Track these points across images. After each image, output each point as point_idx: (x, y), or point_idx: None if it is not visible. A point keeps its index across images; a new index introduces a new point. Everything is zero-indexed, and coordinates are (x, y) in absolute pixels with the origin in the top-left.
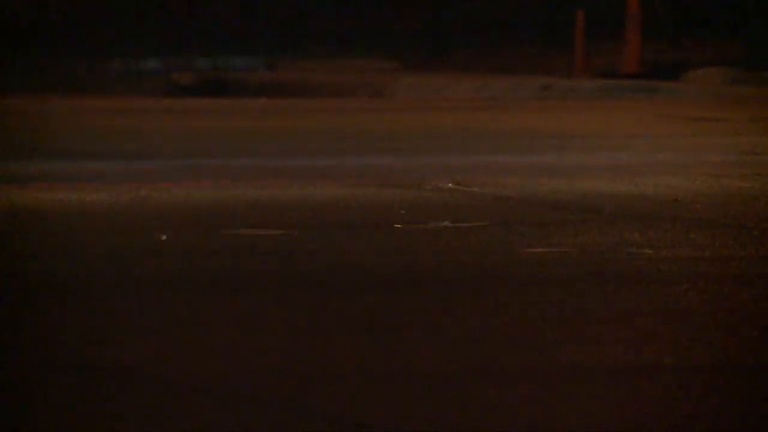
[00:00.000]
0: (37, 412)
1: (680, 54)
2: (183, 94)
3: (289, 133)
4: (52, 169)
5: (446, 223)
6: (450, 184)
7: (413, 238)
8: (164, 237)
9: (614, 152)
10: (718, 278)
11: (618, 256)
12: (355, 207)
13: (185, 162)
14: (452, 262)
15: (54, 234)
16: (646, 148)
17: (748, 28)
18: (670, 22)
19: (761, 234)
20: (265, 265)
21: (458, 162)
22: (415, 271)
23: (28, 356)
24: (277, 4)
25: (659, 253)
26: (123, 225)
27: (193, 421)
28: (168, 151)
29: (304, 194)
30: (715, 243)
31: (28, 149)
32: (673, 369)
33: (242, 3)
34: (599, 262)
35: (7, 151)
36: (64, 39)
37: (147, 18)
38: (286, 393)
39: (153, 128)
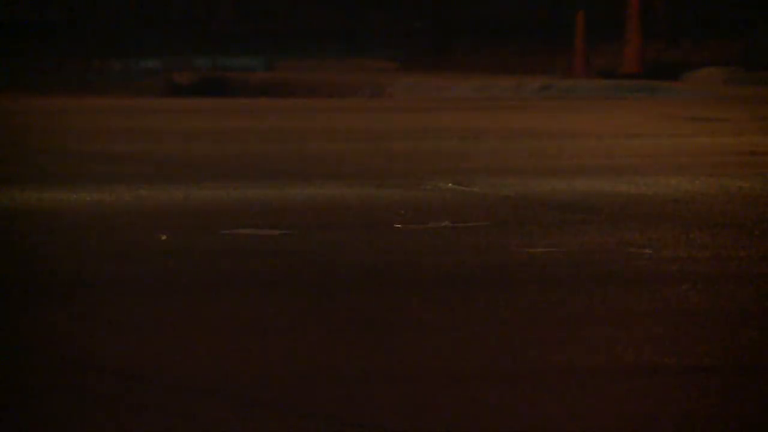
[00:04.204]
0: (37, 411)
1: (680, 54)
2: (183, 94)
3: (289, 132)
4: (52, 169)
5: (446, 223)
6: (450, 184)
7: (413, 238)
8: (164, 237)
9: (614, 152)
10: (718, 278)
11: (618, 256)
12: (355, 207)
13: (184, 162)
14: (452, 262)
15: (54, 234)
16: (646, 148)
17: (749, 28)
18: (670, 22)
19: (761, 234)
20: (265, 265)
21: (458, 162)
22: (415, 271)
23: (28, 356)
24: (277, 4)
25: (659, 253)
26: (123, 225)
27: (193, 422)
28: (168, 151)
29: (304, 194)
30: (715, 243)
31: (28, 149)
32: (673, 369)
33: (242, 3)
34: (599, 262)
35: (7, 152)
36: (64, 39)
37: (147, 18)
38: (286, 393)
39: (152, 128)
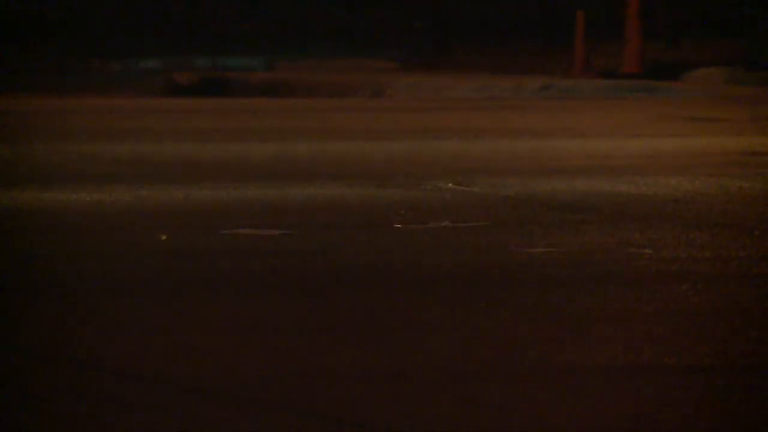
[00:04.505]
0: (37, 411)
1: (680, 54)
2: (183, 94)
3: (289, 132)
4: (52, 169)
5: (446, 223)
6: (450, 184)
7: (413, 238)
8: (164, 237)
9: (614, 152)
10: (718, 278)
11: (618, 256)
12: (355, 207)
13: (184, 162)
14: (452, 262)
15: (54, 234)
16: (646, 148)
17: (749, 28)
18: (670, 22)
19: (761, 234)
20: (265, 265)
21: (458, 162)
22: (415, 271)
23: (28, 356)
24: (277, 4)
25: (659, 253)
26: (123, 225)
27: (193, 421)
28: (168, 151)
29: (304, 194)
30: (715, 243)
31: (28, 149)
32: (673, 369)
33: (242, 3)
34: (599, 262)
35: (8, 152)
36: (64, 39)
37: (147, 18)
38: (286, 393)
39: (152, 128)
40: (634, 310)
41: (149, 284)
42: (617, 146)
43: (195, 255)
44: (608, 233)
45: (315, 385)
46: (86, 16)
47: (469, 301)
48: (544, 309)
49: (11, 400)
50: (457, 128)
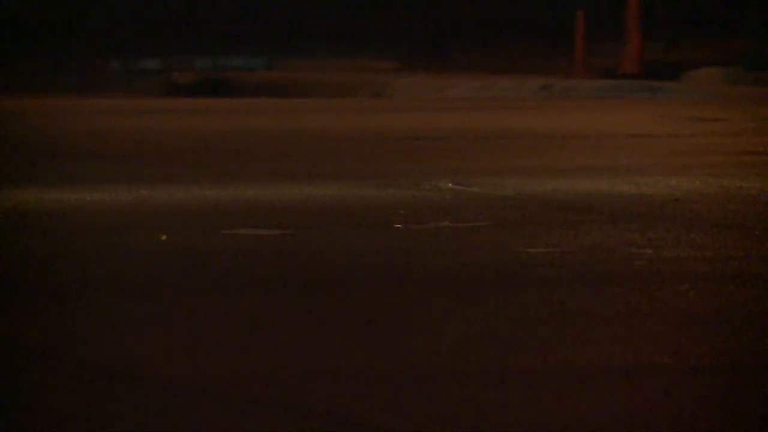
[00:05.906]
0: (37, 412)
1: (680, 54)
2: (183, 94)
3: (289, 132)
4: (52, 169)
5: (446, 223)
6: (450, 184)
7: (413, 238)
8: (164, 237)
9: (614, 152)
10: (718, 278)
11: (618, 256)
12: (355, 207)
13: (184, 162)
14: (452, 262)
15: (54, 234)
16: (646, 148)
17: (749, 28)
18: (670, 22)
19: (761, 234)
20: (265, 265)
21: (458, 162)
22: (415, 271)
23: (28, 356)
24: (277, 4)
25: (659, 253)
26: (123, 225)
27: (193, 421)
28: (168, 151)
29: (304, 194)
30: (715, 243)
31: (28, 150)
32: (673, 369)
33: (242, 3)
34: (599, 262)
35: (8, 151)
36: (64, 39)
37: (147, 18)
38: (285, 393)
39: (152, 128)
40: (634, 310)
41: (149, 284)
42: (617, 146)
43: (195, 255)
44: (608, 233)
45: (315, 385)
46: (86, 17)
47: (469, 301)
48: (543, 309)
49: (11, 400)
50: (457, 128)
